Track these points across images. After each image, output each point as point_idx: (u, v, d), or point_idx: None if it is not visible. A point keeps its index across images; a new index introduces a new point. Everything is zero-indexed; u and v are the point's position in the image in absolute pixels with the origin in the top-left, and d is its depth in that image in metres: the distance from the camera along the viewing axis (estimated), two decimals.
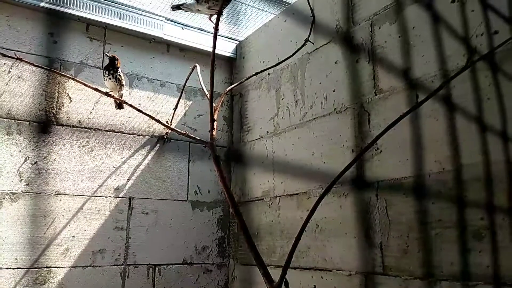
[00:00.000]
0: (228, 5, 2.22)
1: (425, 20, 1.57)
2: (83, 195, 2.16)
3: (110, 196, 2.24)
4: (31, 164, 2.06)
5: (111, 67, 1.97)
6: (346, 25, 1.95)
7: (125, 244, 2.24)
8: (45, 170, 2.08)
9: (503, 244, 1.25)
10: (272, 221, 2.27)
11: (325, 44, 2.05)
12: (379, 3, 1.78)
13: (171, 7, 2.10)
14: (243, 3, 2.44)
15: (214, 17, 1.82)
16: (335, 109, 1.95)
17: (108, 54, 2.02)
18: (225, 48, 2.75)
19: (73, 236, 2.10)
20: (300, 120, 2.15)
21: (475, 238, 1.33)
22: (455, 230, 1.38)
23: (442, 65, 1.49)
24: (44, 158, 2.09)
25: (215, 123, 1.44)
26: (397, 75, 1.67)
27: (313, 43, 2.11)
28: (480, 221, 1.32)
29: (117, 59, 1.99)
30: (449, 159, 1.43)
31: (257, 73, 2.20)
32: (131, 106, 1.84)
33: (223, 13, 2.40)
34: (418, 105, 1.17)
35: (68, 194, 2.12)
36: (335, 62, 1.98)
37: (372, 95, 1.77)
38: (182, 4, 2.06)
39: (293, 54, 2.15)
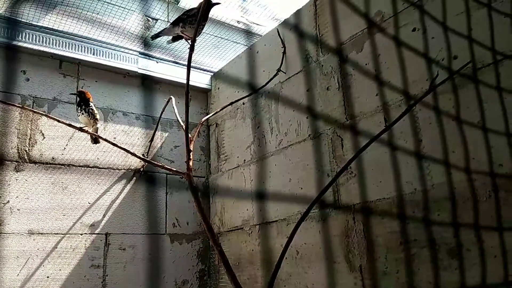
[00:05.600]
0: (202, 37, 2.27)
1: (390, 48, 1.65)
2: (57, 233, 2.10)
3: (85, 233, 2.18)
4: (2, 203, 1.99)
5: (83, 102, 1.96)
6: (316, 54, 2.03)
7: (102, 282, 2.17)
8: (18, 209, 2.02)
9: (475, 261, 1.28)
10: (252, 250, 2.25)
11: (297, 73, 2.11)
12: (346, 33, 1.86)
13: (151, 37, 2.14)
14: (216, 36, 2.51)
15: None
16: (309, 135, 1.99)
17: (74, 92, 2.00)
18: (200, 80, 2.79)
19: (48, 277, 2.03)
20: (276, 147, 2.18)
21: (449, 256, 1.36)
22: (431, 249, 1.41)
23: (408, 89, 1.56)
24: (17, 197, 2.04)
25: (191, 153, 1.45)
26: (365, 100, 1.73)
27: (285, 73, 2.17)
28: (453, 238, 1.35)
29: (85, 93, 1.98)
30: (419, 180, 1.47)
31: (232, 103, 2.24)
32: (106, 140, 1.83)
33: (198, 46, 2.46)
34: (386, 128, 1.22)
35: (41, 233, 2.06)
36: (307, 90, 2.03)
37: (343, 120, 1.82)
38: (160, 32, 2.10)
39: (266, 83, 2.21)
